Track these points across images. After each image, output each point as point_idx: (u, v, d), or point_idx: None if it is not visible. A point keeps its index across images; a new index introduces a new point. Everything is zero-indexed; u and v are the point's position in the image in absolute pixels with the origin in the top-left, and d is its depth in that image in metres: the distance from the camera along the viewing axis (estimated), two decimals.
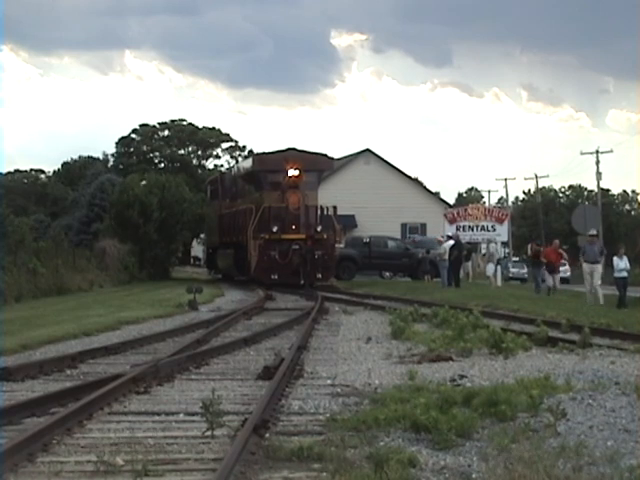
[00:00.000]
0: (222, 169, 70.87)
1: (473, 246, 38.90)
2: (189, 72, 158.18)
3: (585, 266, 26.46)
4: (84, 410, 8.51)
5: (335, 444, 7.40)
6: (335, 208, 35.24)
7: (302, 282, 32.64)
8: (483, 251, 46.31)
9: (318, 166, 35.80)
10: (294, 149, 35.71)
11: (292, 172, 33.84)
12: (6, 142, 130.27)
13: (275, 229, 33.12)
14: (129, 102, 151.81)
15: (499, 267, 39.08)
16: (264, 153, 37.34)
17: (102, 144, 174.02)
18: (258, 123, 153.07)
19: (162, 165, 77.38)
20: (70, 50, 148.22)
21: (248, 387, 10.63)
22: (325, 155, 36.69)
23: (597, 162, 66.82)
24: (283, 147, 36.39)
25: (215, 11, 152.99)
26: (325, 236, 33.82)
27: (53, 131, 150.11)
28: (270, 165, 34.72)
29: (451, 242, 33.81)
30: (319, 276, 33.46)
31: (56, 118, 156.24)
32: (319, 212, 34.68)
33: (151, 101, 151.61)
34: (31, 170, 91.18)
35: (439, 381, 10.58)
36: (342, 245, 40.51)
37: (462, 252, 34.42)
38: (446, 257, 33.20)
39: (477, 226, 36.68)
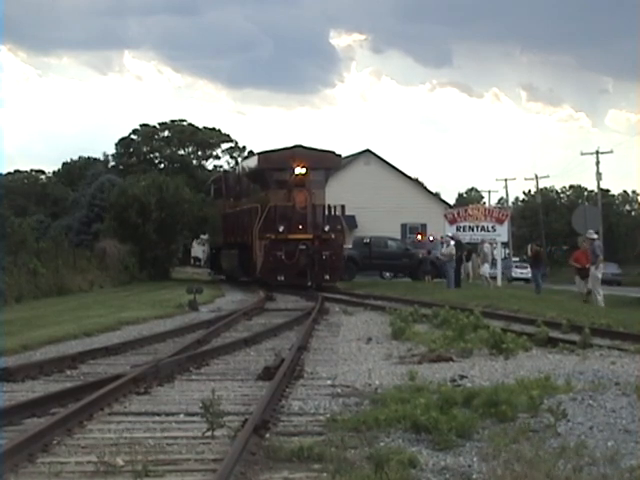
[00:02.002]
0: (224, 168, 70.77)
1: (473, 246, 38.88)
2: (188, 72, 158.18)
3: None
4: (84, 410, 8.51)
5: (335, 444, 7.39)
6: (343, 207, 34.44)
7: (309, 283, 31.92)
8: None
9: (325, 164, 34.86)
10: (300, 146, 34.53)
11: (299, 170, 33.01)
12: (5, 142, 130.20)
13: (281, 229, 32.36)
14: (128, 102, 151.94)
15: (498, 267, 39.08)
16: (269, 151, 36.04)
17: (101, 144, 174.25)
18: (257, 123, 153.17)
19: (162, 166, 77.33)
20: (69, 50, 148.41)
21: (248, 387, 10.63)
22: (332, 152, 35.81)
23: (597, 162, 66.91)
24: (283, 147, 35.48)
25: (215, 11, 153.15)
26: (333, 236, 33.10)
27: (52, 131, 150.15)
28: (276, 163, 33.77)
29: (452, 243, 33.82)
30: (327, 277, 32.68)
31: (55, 118, 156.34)
32: (326, 211, 33.83)
33: (150, 101, 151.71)
34: (31, 170, 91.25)
35: (439, 381, 10.57)
36: (350, 246, 40.17)
37: (463, 252, 34.41)
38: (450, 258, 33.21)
39: (477, 226, 36.64)
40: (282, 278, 32.19)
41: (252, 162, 37.64)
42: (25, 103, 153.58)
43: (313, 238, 32.70)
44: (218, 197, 44.99)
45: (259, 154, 36.23)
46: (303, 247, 32.24)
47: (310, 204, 33.14)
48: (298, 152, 33.89)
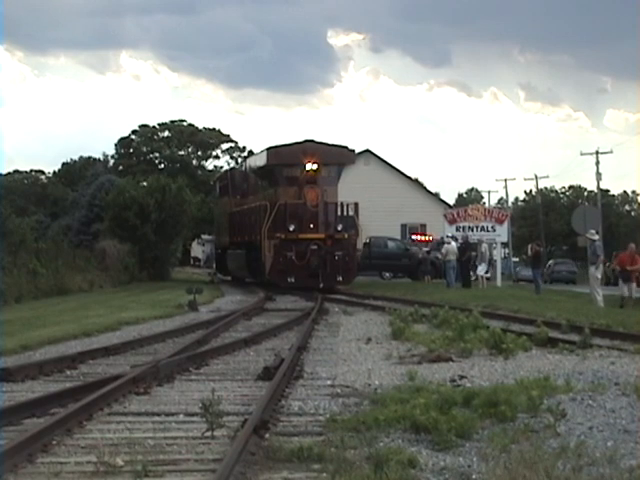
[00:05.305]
0: (224, 168, 70.70)
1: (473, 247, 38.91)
2: (186, 72, 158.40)
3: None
4: (84, 411, 8.51)
5: (335, 445, 7.39)
6: (356, 205, 33.12)
7: (321, 285, 30.64)
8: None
9: (338, 159, 33.32)
10: (312, 141, 33.13)
11: (310, 166, 31.66)
12: (4, 142, 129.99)
13: (292, 228, 31.21)
14: (126, 102, 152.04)
15: (497, 268, 39.10)
16: (279, 146, 33.98)
17: (100, 144, 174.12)
18: (256, 123, 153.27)
19: (162, 166, 77.33)
20: (66, 50, 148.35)
21: (248, 388, 10.63)
22: (346, 147, 34.41)
23: (597, 163, 66.81)
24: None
25: (213, 10, 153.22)
26: (346, 236, 31.92)
27: (50, 131, 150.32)
28: (286, 159, 32.26)
29: (454, 243, 33.79)
30: (339, 279, 31.56)
31: (52, 118, 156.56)
32: (339, 210, 32.63)
33: (148, 101, 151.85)
34: (31, 171, 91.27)
35: (439, 382, 10.57)
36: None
37: (472, 252, 34.35)
38: (450, 258, 33.14)
39: (477, 227, 36.61)
40: (292, 280, 31.07)
41: (260, 158, 35.63)
42: (22, 103, 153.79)
43: (325, 238, 31.51)
44: (224, 195, 43.91)
45: (268, 149, 34.18)
46: (314, 247, 31.10)
47: (322, 202, 31.85)
48: (309, 147, 32.51)
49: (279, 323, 18.66)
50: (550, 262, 59.83)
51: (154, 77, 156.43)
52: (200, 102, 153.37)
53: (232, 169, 50.10)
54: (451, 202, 72.75)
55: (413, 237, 51.46)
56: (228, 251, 41.34)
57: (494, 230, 36.91)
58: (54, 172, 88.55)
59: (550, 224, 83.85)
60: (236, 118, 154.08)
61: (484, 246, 35.50)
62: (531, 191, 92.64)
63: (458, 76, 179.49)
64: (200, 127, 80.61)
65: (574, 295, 30.67)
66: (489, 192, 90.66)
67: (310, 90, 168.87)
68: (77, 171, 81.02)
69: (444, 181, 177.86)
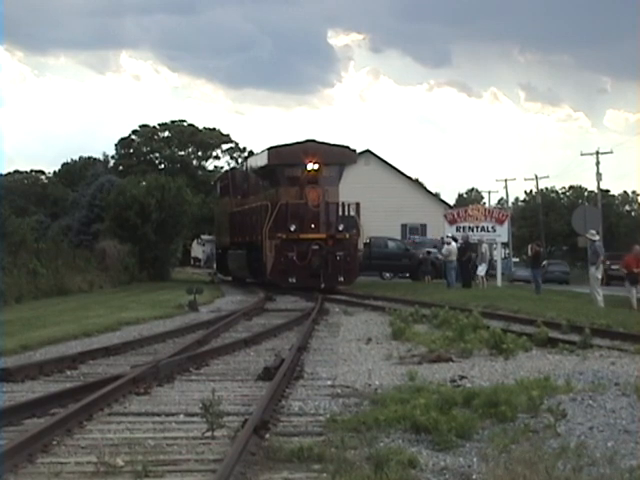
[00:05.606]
0: (225, 169, 70.68)
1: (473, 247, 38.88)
2: (186, 72, 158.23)
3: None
4: (84, 411, 8.51)
5: (335, 445, 7.39)
6: (358, 205, 33.05)
7: (322, 286, 30.48)
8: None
9: (340, 159, 33.25)
10: (313, 141, 32.97)
11: (311, 166, 31.52)
12: (4, 142, 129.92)
13: (293, 228, 31.04)
14: (126, 102, 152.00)
15: (498, 268, 39.10)
16: (280, 145, 33.80)
17: (100, 144, 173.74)
18: (256, 123, 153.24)
19: (162, 166, 77.31)
20: (66, 50, 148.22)
21: (248, 388, 10.63)
22: (347, 147, 34.34)
23: (597, 163, 66.82)
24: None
25: (213, 10, 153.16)
26: (347, 236, 31.79)
27: (49, 132, 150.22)
28: (287, 158, 32.15)
29: (454, 244, 33.78)
30: (340, 279, 31.45)
31: (52, 118, 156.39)
32: (340, 210, 32.52)
33: (148, 101, 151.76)
34: (31, 171, 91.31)
35: (439, 382, 10.58)
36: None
37: (472, 252, 34.37)
38: (452, 258, 33.13)
39: (477, 227, 36.59)
40: (293, 280, 30.91)
41: (261, 158, 35.38)
42: (22, 103, 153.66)
43: (326, 238, 31.34)
44: (224, 195, 43.85)
45: (269, 149, 33.98)
46: (316, 247, 30.92)
47: (323, 202, 31.70)
48: (310, 147, 32.36)
49: (279, 323, 18.66)
50: (544, 262, 59.69)
51: (154, 77, 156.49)
52: (200, 102, 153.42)
53: (233, 169, 50.01)
54: (451, 202, 72.79)
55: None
56: (229, 251, 41.28)
57: (494, 230, 36.89)
58: (54, 172, 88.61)
59: (550, 224, 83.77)
60: (236, 118, 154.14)
61: (484, 246, 35.46)
62: (531, 191, 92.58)
63: (458, 76, 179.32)
64: (200, 127, 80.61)
65: (574, 295, 30.65)
66: (489, 192, 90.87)
67: (310, 90, 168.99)
68: (77, 171, 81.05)
69: (444, 181, 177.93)
